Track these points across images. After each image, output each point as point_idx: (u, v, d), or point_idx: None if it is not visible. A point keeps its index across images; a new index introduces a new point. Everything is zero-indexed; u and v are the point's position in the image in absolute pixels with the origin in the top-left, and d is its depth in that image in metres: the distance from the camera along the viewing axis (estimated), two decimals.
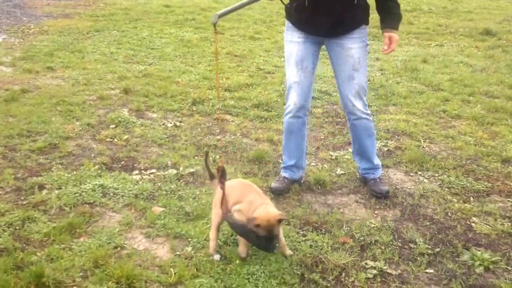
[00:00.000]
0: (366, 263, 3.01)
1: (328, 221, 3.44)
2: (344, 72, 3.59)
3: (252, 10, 11.45)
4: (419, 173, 4.20)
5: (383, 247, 3.17)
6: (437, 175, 4.16)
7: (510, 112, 5.60)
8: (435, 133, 5.02)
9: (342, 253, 3.07)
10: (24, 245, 3.06)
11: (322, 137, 4.90)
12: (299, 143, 3.84)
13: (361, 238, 3.26)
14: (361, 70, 3.58)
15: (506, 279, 2.91)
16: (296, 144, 3.83)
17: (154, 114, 5.37)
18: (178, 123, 5.10)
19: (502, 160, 4.44)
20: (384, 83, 6.56)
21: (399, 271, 2.96)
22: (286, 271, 2.89)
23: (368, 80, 6.65)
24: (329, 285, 2.83)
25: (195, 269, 2.87)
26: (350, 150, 4.54)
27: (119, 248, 3.06)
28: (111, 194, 3.68)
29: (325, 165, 4.29)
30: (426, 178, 4.12)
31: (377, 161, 3.91)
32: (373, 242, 3.22)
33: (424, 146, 4.71)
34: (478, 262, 3.02)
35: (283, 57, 3.85)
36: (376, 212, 3.61)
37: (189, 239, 3.15)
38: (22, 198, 3.61)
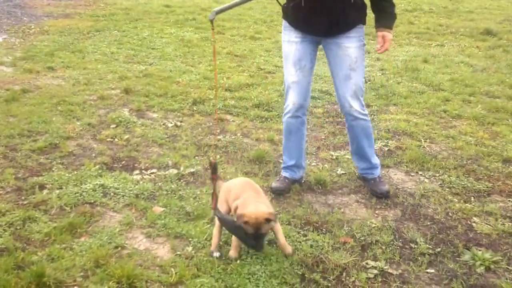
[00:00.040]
0: (367, 263, 3.00)
1: (328, 221, 3.44)
2: (341, 72, 3.57)
3: (252, 10, 11.45)
4: (420, 173, 4.20)
5: (384, 247, 3.17)
6: (438, 175, 4.16)
7: (511, 112, 5.59)
8: (435, 133, 5.01)
9: (343, 253, 3.07)
10: (25, 245, 3.06)
11: (323, 137, 4.89)
12: (298, 142, 3.83)
13: (362, 238, 3.26)
14: (358, 70, 3.56)
15: (507, 279, 2.90)
16: (296, 144, 3.83)
17: (155, 114, 5.37)
18: (178, 123, 5.10)
19: (503, 160, 4.44)
20: (385, 83, 6.56)
21: (400, 271, 2.96)
22: (287, 271, 2.88)
23: (369, 80, 6.66)
24: (330, 285, 2.83)
25: (195, 269, 2.86)
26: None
27: (119, 248, 3.06)
28: (112, 194, 3.68)
29: (325, 165, 4.29)
30: (427, 178, 4.12)
31: (375, 160, 3.89)
32: (374, 242, 3.22)
33: (425, 146, 4.71)
34: (479, 262, 3.02)
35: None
36: (377, 212, 3.61)
37: (190, 239, 3.15)
38: (23, 198, 3.61)
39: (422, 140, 4.83)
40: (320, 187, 3.91)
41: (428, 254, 3.11)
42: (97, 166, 4.08)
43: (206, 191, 3.71)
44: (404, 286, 2.84)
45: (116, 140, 4.65)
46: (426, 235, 3.31)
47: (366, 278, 2.88)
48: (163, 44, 8.39)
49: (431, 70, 7.21)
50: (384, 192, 3.77)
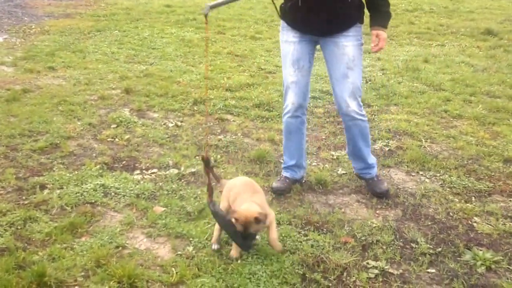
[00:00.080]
0: (367, 263, 3.00)
1: (329, 220, 3.44)
2: (338, 71, 3.54)
3: (253, 10, 11.46)
4: (421, 173, 4.20)
5: (384, 247, 3.17)
6: (438, 175, 4.16)
7: (511, 112, 5.59)
8: (436, 133, 5.01)
9: (343, 253, 3.07)
10: (26, 244, 3.06)
11: (323, 137, 4.89)
12: (299, 142, 3.83)
13: (363, 238, 3.25)
14: (356, 69, 3.53)
15: (508, 278, 2.90)
16: (296, 144, 3.83)
17: (155, 114, 5.37)
18: (179, 123, 5.10)
19: (504, 160, 4.44)
20: (386, 83, 6.55)
21: (400, 270, 2.96)
22: (288, 271, 2.88)
23: (370, 80, 6.66)
24: (330, 284, 2.83)
25: (196, 269, 2.86)
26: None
27: (120, 248, 3.06)
28: (113, 193, 3.68)
29: (326, 165, 4.29)
30: (427, 178, 4.12)
31: (371, 160, 3.87)
32: (375, 242, 3.22)
33: (426, 146, 4.71)
34: (480, 262, 3.01)
35: None
36: (377, 212, 3.61)
37: (191, 239, 3.15)
38: (24, 197, 3.61)
39: (423, 140, 4.83)
40: (321, 187, 3.91)
41: (429, 254, 3.11)
42: (98, 166, 4.08)
43: (206, 191, 3.71)
44: (405, 286, 2.84)
45: (116, 140, 4.65)
46: (427, 235, 3.31)
47: (367, 278, 2.88)
48: (164, 44, 8.39)
49: (432, 70, 7.21)
50: (383, 191, 3.77)
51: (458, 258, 3.08)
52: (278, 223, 3.36)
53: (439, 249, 3.16)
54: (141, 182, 3.88)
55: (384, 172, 4.20)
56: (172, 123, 5.09)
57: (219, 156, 4.36)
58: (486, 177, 4.14)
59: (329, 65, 3.62)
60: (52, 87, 6.03)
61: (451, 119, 5.44)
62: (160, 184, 3.86)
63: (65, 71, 6.73)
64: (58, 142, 4.51)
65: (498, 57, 8.06)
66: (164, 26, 9.68)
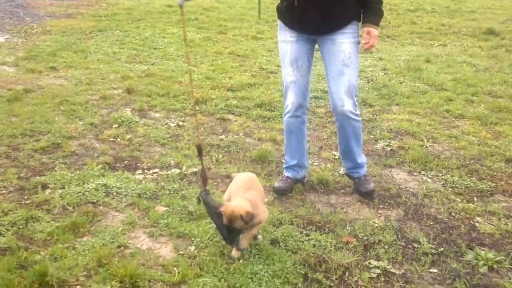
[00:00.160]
0: (369, 263, 3.00)
1: (331, 220, 3.44)
2: (334, 67, 3.51)
3: (254, 10, 11.45)
4: (423, 172, 4.19)
5: (386, 247, 3.16)
6: (440, 174, 4.15)
7: None
8: (438, 133, 5.01)
9: (345, 253, 3.07)
10: (28, 244, 3.06)
11: (325, 137, 4.89)
12: (300, 142, 3.83)
13: (365, 238, 3.25)
14: (352, 67, 3.50)
15: (510, 278, 2.90)
16: (297, 144, 3.82)
17: (157, 113, 5.37)
18: (181, 123, 5.10)
19: (506, 160, 4.43)
20: (387, 83, 6.55)
21: (402, 270, 2.96)
22: (290, 271, 2.88)
23: (371, 80, 6.66)
24: (332, 284, 2.82)
25: (198, 269, 2.86)
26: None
27: (122, 248, 3.06)
28: (114, 193, 3.68)
29: (328, 165, 4.28)
30: (429, 177, 4.11)
31: (361, 160, 3.83)
32: (377, 241, 3.22)
33: (428, 146, 4.70)
34: (482, 262, 3.01)
35: None
36: (379, 211, 3.61)
37: (192, 239, 3.15)
38: (26, 197, 3.61)
39: (425, 140, 4.82)
40: (322, 187, 3.91)
41: (431, 254, 3.11)
42: (100, 166, 4.08)
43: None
44: (407, 285, 2.84)
45: (118, 139, 4.65)
46: (429, 235, 3.31)
47: (369, 277, 2.87)
48: (165, 44, 8.39)
49: (434, 70, 7.20)
50: (368, 191, 3.75)
51: (460, 258, 3.08)
52: (280, 223, 3.37)
53: (441, 249, 3.16)
54: (143, 181, 3.88)
55: (386, 172, 4.20)
56: (173, 123, 5.09)
57: (221, 156, 4.36)
58: (488, 177, 4.14)
59: (326, 63, 3.59)
60: (53, 87, 6.03)
61: (453, 119, 5.43)
62: (162, 183, 3.86)
63: (67, 71, 6.73)
64: (60, 142, 4.52)
65: (500, 57, 8.06)
66: (166, 26, 9.69)
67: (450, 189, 3.94)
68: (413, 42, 9.16)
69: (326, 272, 2.91)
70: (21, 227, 3.23)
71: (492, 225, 3.44)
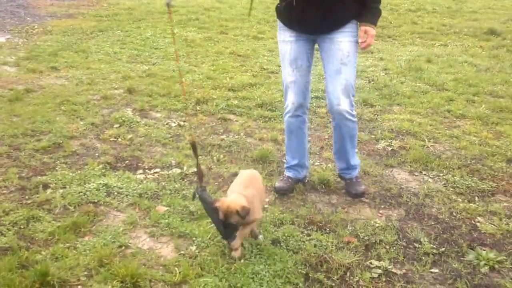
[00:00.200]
0: (370, 263, 3.00)
1: (332, 220, 3.43)
2: (332, 66, 3.49)
3: (255, 10, 11.45)
4: (424, 172, 4.19)
5: (387, 247, 3.16)
6: (441, 174, 4.15)
7: None
8: (439, 133, 5.00)
9: (346, 253, 3.06)
10: (29, 244, 3.07)
11: (326, 137, 4.88)
12: (300, 142, 3.82)
13: (366, 238, 3.25)
14: (350, 65, 3.47)
15: (511, 278, 2.89)
16: (297, 143, 3.82)
17: (158, 113, 5.37)
18: (182, 123, 5.10)
19: (507, 160, 4.43)
20: (388, 83, 6.55)
21: (404, 270, 2.95)
22: (291, 271, 2.88)
23: (372, 80, 6.65)
24: (333, 284, 2.82)
25: (199, 268, 2.86)
26: (355, 150, 4.53)
27: (123, 247, 3.06)
28: (115, 193, 3.68)
29: (329, 165, 4.28)
30: (430, 177, 4.11)
31: (355, 161, 3.80)
32: (378, 241, 3.22)
33: (429, 146, 4.70)
34: (483, 262, 3.01)
35: None
36: (380, 211, 3.60)
37: (194, 238, 3.15)
38: (27, 197, 3.61)
39: (426, 140, 4.82)
40: (323, 187, 3.90)
41: (432, 254, 3.10)
42: (101, 166, 4.08)
43: (209, 190, 3.71)
44: (408, 285, 2.83)
45: (119, 139, 4.65)
46: (430, 235, 3.30)
47: (370, 277, 2.87)
48: (166, 44, 8.39)
49: (435, 70, 7.20)
50: (359, 193, 3.72)
51: (462, 258, 3.08)
52: (281, 223, 3.37)
53: (442, 249, 3.15)
54: (144, 181, 3.88)
55: (387, 172, 4.19)
56: (174, 122, 5.09)
57: (222, 156, 4.36)
58: (489, 177, 4.13)
59: (324, 61, 3.57)
60: (54, 87, 6.04)
61: (454, 119, 5.43)
62: (163, 183, 3.86)
63: (68, 71, 6.74)
64: (61, 141, 4.52)
65: (501, 57, 8.05)
66: (167, 26, 9.67)
67: (451, 189, 3.93)
68: (414, 42, 9.16)
69: (327, 272, 2.91)
70: (22, 227, 3.23)
71: (493, 225, 3.44)
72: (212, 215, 2.96)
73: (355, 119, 3.62)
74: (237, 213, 2.80)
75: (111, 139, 4.65)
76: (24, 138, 4.55)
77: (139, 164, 4.19)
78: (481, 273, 2.94)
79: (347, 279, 2.86)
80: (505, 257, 3.06)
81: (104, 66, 6.98)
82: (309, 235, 3.25)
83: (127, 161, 4.23)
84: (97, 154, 4.33)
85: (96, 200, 3.57)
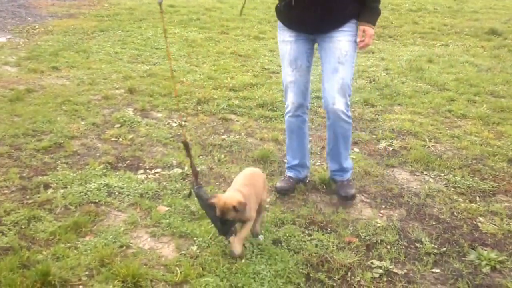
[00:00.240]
0: (372, 263, 3.00)
1: (333, 220, 3.43)
2: (329, 65, 3.47)
3: (257, 10, 11.46)
4: (425, 172, 4.19)
5: (389, 247, 3.16)
6: (443, 174, 4.15)
7: None
8: (440, 133, 5.00)
9: (347, 253, 3.06)
10: (30, 244, 3.07)
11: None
12: (301, 141, 3.82)
13: (367, 238, 3.25)
14: (347, 65, 3.45)
15: None
16: (298, 143, 3.81)
17: (159, 113, 5.37)
18: (183, 123, 5.10)
19: (508, 160, 4.42)
20: (389, 83, 6.54)
21: (405, 270, 2.95)
22: (292, 271, 2.88)
23: (373, 80, 6.65)
24: (335, 284, 2.82)
25: (200, 268, 2.86)
26: (356, 150, 4.55)
27: (124, 247, 3.06)
28: (116, 193, 3.68)
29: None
30: (431, 177, 4.11)
31: (347, 164, 3.77)
32: (379, 241, 3.21)
33: (430, 146, 4.69)
34: (484, 262, 3.01)
35: None
36: (381, 211, 3.60)
37: (195, 238, 3.15)
38: (28, 197, 3.61)
39: (427, 140, 4.82)
40: (324, 187, 3.90)
41: (434, 254, 3.10)
42: (102, 166, 4.08)
43: (210, 190, 3.71)
44: (410, 285, 2.83)
45: (120, 139, 4.65)
46: (431, 235, 3.30)
47: (371, 277, 2.87)
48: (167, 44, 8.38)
49: (436, 70, 7.19)
50: (349, 195, 3.66)
51: (463, 258, 3.08)
52: (282, 223, 3.37)
53: (444, 249, 3.15)
54: (145, 181, 3.88)
55: (388, 172, 4.19)
56: (175, 122, 5.09)
57: (223, 156, 4.36)
58: (491, 177, 4.13)
59: (322, 60, 3.55)
60: (55, 87, 6.04)
61: (455, 119, 5.43)
62: (164, 183, 3.86)
63: (69, 71, 6.74)
64: (62, 141, 4.52)
65: (502, 57, 8.05)
66: (168, 26, 9.68)
67: (452, 189, 3.93)
68: (415, 42, 9.15)
69: (329, 272, 2.91)
70: (23, 226, 3.23)
71: (495, 225, 3.44)
72: (208, 211, 2.96)
73: (350, 120, 3.58)
74: (234, 208, 2.80)
75: (112, 139, 4.65)
76: (25, 138, 4.55)
77: (140, 164, 4.19)
78: (482, 273, 2.94)
79: (348, 279, 2.86)
80: (506, 257, 3.06)
81: (105, 66, 6.98)
82: (310, 235, 3.25)
83: (128, 161, 4.23)
84: (98, 154, 4.33)
85: (97, 200, 3.57)
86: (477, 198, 3.80)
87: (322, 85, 3.56)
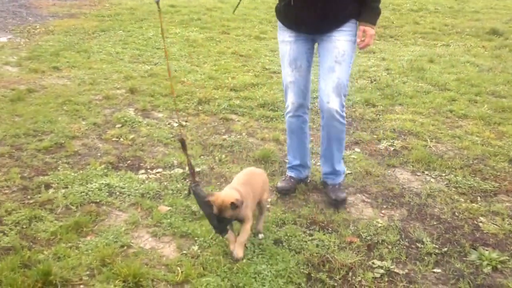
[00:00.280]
0: (373, 263, 3.00)
1: (334, 220, 3.43)
2: (326, 64, 3.45)
3: (258, 10, 11.46)
4: (426, 172, 4.19)
5: (390, 247, 3.16)
6: (444, 174, 4.15)
7: None
8: (441, 133, 5.00)
9: (349, 253, 3.06)
10: (31, 243, 3.07)
11: None
12: (301, 141, 3.81)
13: (368, 238, 3.25)
14: (344, 65, 3.42)
15: None
16: (298, 143, 3.81)
17: (160, 113, 5.37)
18: (184, 123, 5.10)
19: (509, 160, 4.42)
20: (390, 83, 6.54)
21: (406, 270, 2.95)
22: (293, 270, 2.88)
23: (375, 80, 6.65)
24: (336, 284, 2.82)
25: (201, 268, 2.86)
26: (357, 149, 4.55)
27: (125, 247, 3.06)
28: (118, 193, 3.68)
29: None
30: (433, 177, 4.10)
31: (340, 167, 3.74)
32: (380, 241, 3.21)
33: (431, 146, 4.69)
34: (485, 262, 3.00)
35: None
36: (383, 211, 3.60)
37: (196, 238, 3.15)
38: (29, 197, 3.61)
39: (428, 140, 4.81)
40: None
41: (435, 254, 3.10)
42: (103, 166, 4.08)
43: (211, 189, 3.71)
44: (411, 285, 2.83)
45: (121, 139, 4.65)
46: (432, 235, 3.30)
47: (373, 277, 2.87)
48: (168, 44, 8.39)
49: (437, 70, 7.19)
50: (339, 199, 3.62)
51: (464, 258, 3.07)
52: (283, 223, 3.37)
53: (445, 249, 3.15)
54: (146, 181, 3.88)
55: (389, 172, 4.19)
56: (176, 123, 5.09)
57: (224, 156, 4.36)
58: (492, 177, 4.13)
59: (319, 59, 3.54)
60: (56, 87, 6.04)
61: (457, 119, 5.42)
62: (165, 183, 3.86)
63: (70, 71, 6.74)
64: (63, 141, 4.52)
65: (503, 57, 8.05)
66: (169, 26, 9.68)
67: (453, 189, 3.93)
68: (416, 42, 9.15)
69: (330, 272, 2.91)
70: (24, 226, 3.23)
71: (496, 225, 3.44)
72: (205, 209, 2.97)
73: (344, 121, 3.55)
74: (231, 205, 2.80)
75: (113, 139, 4.65)
76: (26, 138, 4.56)
77: (141, 164, 4.19)
78: (483, 273, 2.94)
79: (349, 279, 2.86)
80: (507, 257, 3.06)
81: (106, 66, 6.98)
82: (311, 235, 3.25)
83: (129, 161, 4.23)
84: (99, 154, 4.33)
85: (98, 200, 3.57)
86: (478, 198, 3.80)
87: (318, 83, 3.55)
